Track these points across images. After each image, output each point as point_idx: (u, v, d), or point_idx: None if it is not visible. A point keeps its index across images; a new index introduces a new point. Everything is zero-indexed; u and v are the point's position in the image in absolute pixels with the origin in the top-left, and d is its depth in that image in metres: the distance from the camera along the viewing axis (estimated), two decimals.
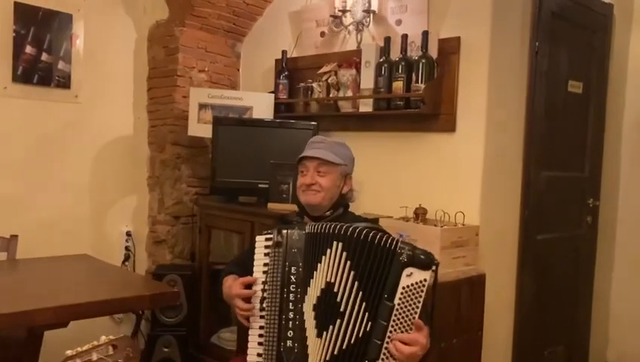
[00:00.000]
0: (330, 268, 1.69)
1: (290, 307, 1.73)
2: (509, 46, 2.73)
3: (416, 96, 2.70)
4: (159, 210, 3.57)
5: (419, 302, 1.58)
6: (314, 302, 1.71)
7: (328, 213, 2.00)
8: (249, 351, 1.82)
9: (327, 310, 1.68)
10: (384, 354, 1.60)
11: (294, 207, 2.90)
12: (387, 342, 1.59)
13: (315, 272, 1.72)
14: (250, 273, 1.86)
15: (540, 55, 2.83)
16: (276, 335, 1.74)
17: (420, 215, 2.64)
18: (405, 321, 1.59)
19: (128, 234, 3.58)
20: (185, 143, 3.53)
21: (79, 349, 1.17)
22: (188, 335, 3.31)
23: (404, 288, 1.59)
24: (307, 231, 1.77)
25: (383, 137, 2.98)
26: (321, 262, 1.71)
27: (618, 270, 3.59)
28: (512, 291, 2.86)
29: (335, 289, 1.67)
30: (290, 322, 1.73)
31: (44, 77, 3.20)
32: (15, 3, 3.07)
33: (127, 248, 3.58)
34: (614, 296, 3.61)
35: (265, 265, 1.81)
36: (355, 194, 2.12)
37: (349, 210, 2.11)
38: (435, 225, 2.52)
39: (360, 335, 1.63)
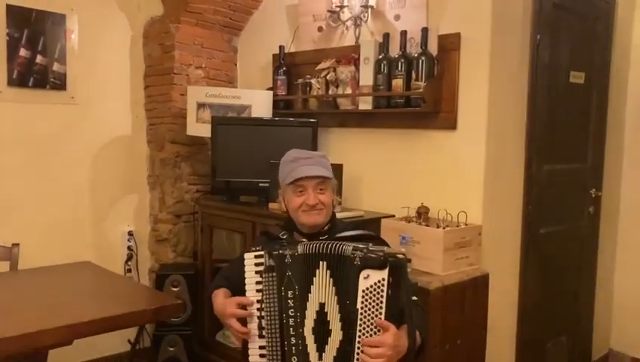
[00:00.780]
0: (321, 289, 1.69)
1: (292, 332, 1.70)
2: (510, 40, 2.69)
3: (417, 94, 2.66)
4: (160, 208, 3.56)
5: (381, 302, 1.60)
6: (312, 325, 1.69)
7: (326, 227, 1.93)
8: None
9: (322, 331, 1.68)
10: (357, 358, 1.61)
11: None
12: (358, 348, 1.61)
13: (309, 295, 1.70)
14: (240, 289, 1.81)
15: (541, 47, 2.79)
16: (280, 360, 1.71)
17: (422, 214, 2.63)
18: (371, 324, 1.61)
19: (130, 233, 3.57)
20: (184, 141, 3.50)
21: None
22: (193, 333, 3.33)
23: (363, 291, 1.61)
24: (300, 252, 1.72)
25: (383, 134, 2.96)
26: (313, 284, 1.69)
27: (620, 259, 3.60)
28: (515, 287, 2.86)
29: (325, 309, 1.68)
30: (294, 348, 1.70)
31: (40, 79, 3.16)
32: (7, 5, 3.02)
33: (129, 248, 3.57)
34: (617, 285, 3.62)
35: (258, 283, 1.76)
36: (337, 204, 2.08)
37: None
38: (438, 226, 2.50)
39: (338, 346, 1.65)
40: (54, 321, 1.83)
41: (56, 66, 3.22)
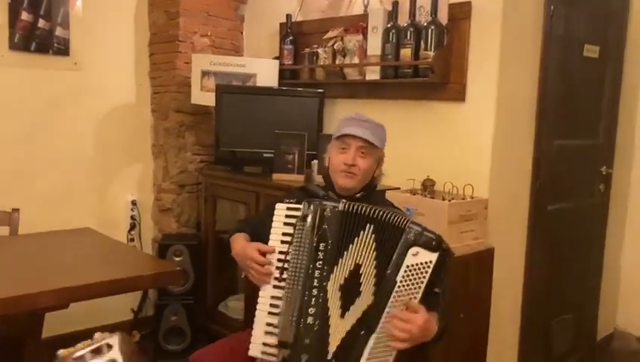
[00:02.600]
0: (361, 250, 1.68)
1: (315, 284, 1.70)
2: (523, 10, 2.60)
3: (425, 64, 2.60)
4: (164, 178, 3.53)
5: (421, 282, 1.59)
6: (341, 282, 1.69)
7: (358, 194, 1.93)
8: (256, 319, 1.77)
9: (352, 290, 1.68)
10: (381, 327, 1.62)
11: (300, 178, 2.87)
12: (385, 317, 1.61)
13: (345, 253, 1.70)
14: (262, 238, 1.83)
15: (555, 18, 2.70)
16: (297, 310, 1.70)
17: (427, 187, 2.58)
18: (405, 299, 1.60)
19: (133, 203, 3.55)
20: (188, 111, 3.45)
21: (72, 349, 1.13)
22: (195, 303, 3.31)
23: (408, 266, 1.61)
24: (342, 209, 1.72)
25: (390, 105, 2.89)
26: (353, 243, 1.69)
27: (629, 237, 3.55)
28: (521, 264, 2.81)
29: (360, 271, 1.68)
30: (314, 299, 1.70)
31: (42, 44, 3.11)
32: None
33: (132, 217, 3.55)
34: (625, 264, 3.57)
35: (284, 234, 1.77)
36: (382, 177, 2.06)
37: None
38: (443, 199, 2.45)
39: (365, 309, 1.65)
40: (51, 283, 1.81)
41: (59, 31, 3.17)
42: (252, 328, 1.79)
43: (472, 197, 2.48)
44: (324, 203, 1.75)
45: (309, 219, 1.73)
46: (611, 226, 3.40)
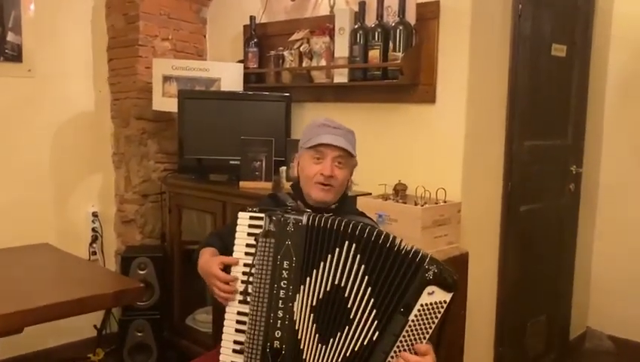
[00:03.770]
0: (340, 271, 1.54)
1: (280, 305, 1.58)
2: (491, 9, 2.57)
3: (394, 65, 2.53)
4: (126, 188, 3.40)
5: (433, 322, 1.48)
6: (312, 303, 1.56)
7: (333, 206, 1.83)
8: (224, 336, 1.67)
9: (335, 315, 1.54)
10: None
11: (268, 186, 2.78)
12: (392, 357, 1.49)
13: (315, 271, 1.56)
14: (231, 250, 1.71)
15: (523, 18, 2.68)
16: (262, 332, 1.60)
17: (399, 192, 2.52)
18: (415, 339, 1.48)
19: (95, 214, 3.40)
20: (150, 117, 3.33)
21: None
22: (161, 318, 3.19)
23: (422, 305, 1.47)
24: (306, 223, 1.59)
25: (359, 109, 2.82)
26: (325, 261, 1.55)
27: (599, 237, 3.57)
28: (495, 266, 2.78)
29: (346, 295, 1.53)
30: (279, 321, 1.58)
31: None
32: None
33: (94, 229, 3.40)
34: (595, 263, 3.58)
35: (248, 245, 1.65)
36: (352, 185, 1.97)
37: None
38: (416, 203, 2.39)
39: (365, 343, 1.51)
40: (1, 307, 1.68)
41: (10, 36, 3.01)
42: (220, 345, 1.70)
43: (445, 201, 2.42)
44: (287, 216, 1.62)
45: (272, 235, 1.61)
46: (582, 225, 3.40)
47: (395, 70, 2.55)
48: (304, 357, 1.56)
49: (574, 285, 3.42)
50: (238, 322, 1.65)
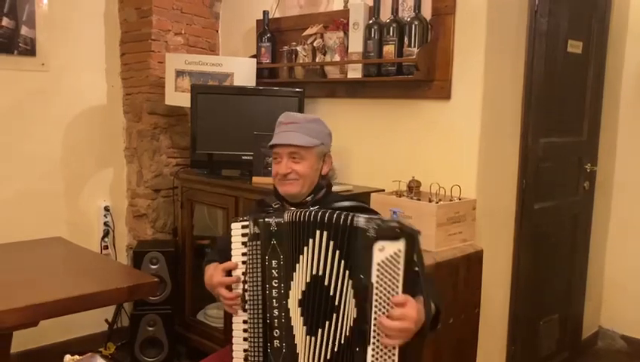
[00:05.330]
0: (316, 260, 1.55)
1: (275, 304, 1.61)
2: (508, 5, 2.54)
3: (409, 61, 2.52)
4: (138, 182, 3.40)
5: (397, 274, 1.47)
6: (299, 297, 1.58)
7: (309, 198, 1.83)
8: (234, 347, 1.71)
9: (319, 305, 1.55)
10: (374, 337, 1.48)
11: None
12: (374, 324, 1.48)
13: (297, 265, 1.58)
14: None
15: (540, 14, 2.65)
16: (261, 334, 1.63)
17: (413, 188, 2.50)
18: (388, 298, 1.47)
19: (106, 209, 3.41)
20: (163, 112, 3.33)
21: None
22: (173, 312, 3.19)
23: (379, 264, 1.47)
24: (287, 220, 1.61)
25: (373, 104, 2.81)
26: (303, 254, 1.57)
27: (612, 235, 3.53)
28: (508, 264, 2.76)
29: (326, 283, 1.54)
30: (276, 321, 1.61)
31: (7, 44, 2.96)
32: None
33: (105, 223, 3.41)
34: (608, 261, 3.55)
35: (244, 254, 1.69)
36: (335, 172, 1.96)
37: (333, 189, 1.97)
38: (430, 200, 2.38)
39: (351, 324, 1.51)
40: (18, 300, 1.68)
41: (24, 30, 3.01)
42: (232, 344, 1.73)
43: (460, 198, 2.40)
44: (270, 217, 1.64)
45: (258, 237, 1.64)
46: (595, 224, 3.37)
47: (409, 66, 2.54)
48: (297, 351, 1.58)
49: (587, 284, 3.39)
50: (244, 331, 1.68)
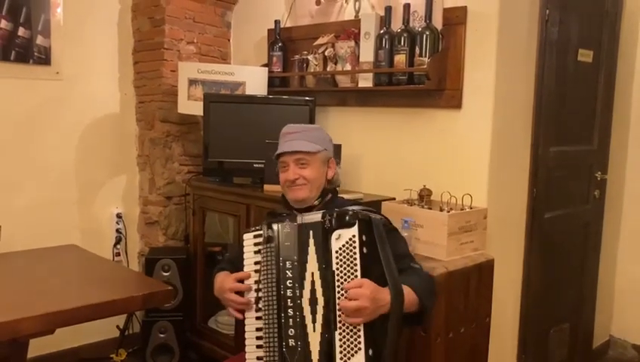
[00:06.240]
0: (312, 258, 1.68)
1: (289, 304, 1.67)
2: (518, 15, 2.56)
3: (420, 70, 2.53)
4: (150, 190, 3.42)
5: (354, 260, 1.61)
6: (309, 296, 1.67)
7: (317, 202, 1.92)
8: (247, 355, 1.74)
9: (313, 300, 1.66)
10: (339, 321, 1.61)
11: None
12: (339, 310, 1.61)
13: (307, 265, 1.68)
14: (242, 270, 1.81)
15: (550, 23, 2.66)
16: (277, 335, 1.67)
17: (424, 197, 2.52)
18: (348, 281, 1.61)
19: (119, 216, 3.44)
20: (175, 120, 3.36)
21: None
22: (184, 319, 3.21)
23: (337, 251, 1.63)
24: (299, 222, 1.72)
25: (384, 113, 2.83)
26: (309, 254, 1.69)
27: (623, 243, 3.52)
28: (519, 273, 2.76)
29: (313, 278, 1.68)
30: (291, 320, 1.66)
31: (22, 53, 3.00)
32: None
33: (118, 230, 3.44)
34: (619, 270, 3.54)
35: (256, 263, 1.75)
36: (340, 176, 2.04)
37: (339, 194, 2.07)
38: (442, 209, 2.39)
39: (323, 312, 1.64)
40: (36, 309, 1.70)
41: (40, 40, 3.05)
42: (245, 350, 1.75)
43: (471, 207, 2.41)
44: (284, 221, 1.74)
45: (273, 240, 1.72)
46: (606, 233, 3.36)
47: (420, 75, 2.55)
48: (310, 348, 1.65)
49: (598, 293, 3.38)
50: (257, 338, 1.72)
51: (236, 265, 1.89)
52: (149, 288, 1.99)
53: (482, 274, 2.39)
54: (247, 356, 1.73)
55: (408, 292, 1.68)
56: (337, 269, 1.62)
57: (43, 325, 1.70)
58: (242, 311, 1.79)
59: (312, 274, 1.67)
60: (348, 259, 1.62)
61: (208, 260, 3.25)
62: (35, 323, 1.68)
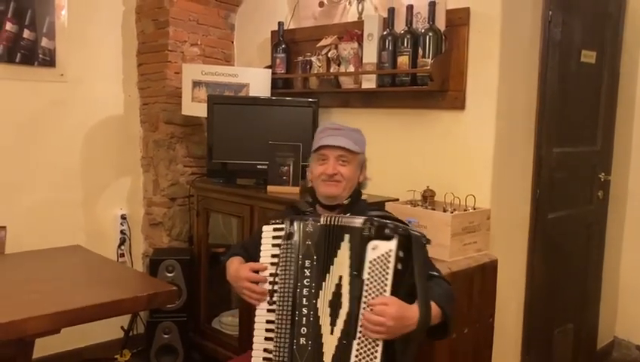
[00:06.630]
0: (342, 262, 1.66)
1: (304, 302, 1.67)
2: (521, 16, 2.56)
3: (423, 71, 2.54)
4: (154, 191, 3.44)
5: (387, 274, 1.58)
6: (329, 298, 1.65)
7: (346, 201, 1.91)
8: (254, 346, 1.74)
9: (337, 305, 1.64)
10: (360, 331, 1.60)
11: (295, 190, 2.80)
12: (361, 319, 1.60)
13: (331, 267, 1.67)
14: (256, 261, 1.81)
15: (553, 24, 2.66)
16: (289, 331, 1.67)
17: (428, 198, 2.52)
18: (376, 294, 1.59)
19: (123, 217, 3.45)
20: (179, 122, 3.37)
21: None
22: (188, 320, 3.22)
23: (370, 262, 1.60)
24: (324, 222, 1.70)
25: (387, 114, 2.83)
26: (336, 256, 1.67)
27: (627, 244, 3.51)
28: (522, 273, 2.76)
29: (341, 282, 1.66)
30: (304, 318, 1.66)
31: (28, 55, 3.01)
32: None
33: (122, 231, 3.45)
34: (623, 271, 3.54)
35: (273, 256, 1.75)
36: (367, 181, 2.02)
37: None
38: (445, 210, 2.40)
39: (346, 318, 1.62)
40: (42, 308, 1.72)
41: (44, 42, 3.07)
42: (252, 349, 1.75)
43: (475, 208, 2.42)
44: (307, 218, 1.73)
45: (293, 237, 1.72)
46: (610, 234, 3.36)
47: (424, 76, 2.56)
48: (323, 350, 1.64)
49: (602, 294, 3.38)
50: (266, 330, 1.72)
51: (250, 253, 1.90)
52: (154, 288, 2.00)
53: (486, 274, 2.40)
54: (254, 346, 1.73)
55: (433, 307, 1.65)
56: (368, 279, 1.60)
57: (49, 324, 1.71)
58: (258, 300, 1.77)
59: (340, 277, 1.65)
60: (380, 272, 1.59)
61: (212, 261, 3.26)
62: (41, 323, 1.69)
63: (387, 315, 1.55)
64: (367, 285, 1.59)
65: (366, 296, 1.60)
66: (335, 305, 1.65)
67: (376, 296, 1.58)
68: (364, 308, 1.59)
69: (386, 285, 1.58)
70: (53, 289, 1.96)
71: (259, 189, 2.92)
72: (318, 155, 1.90)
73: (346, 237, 1.67)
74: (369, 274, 1.60)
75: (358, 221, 1.66)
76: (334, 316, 1.64)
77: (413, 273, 1.60)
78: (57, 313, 1.72)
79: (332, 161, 1.86)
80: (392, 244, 1.59)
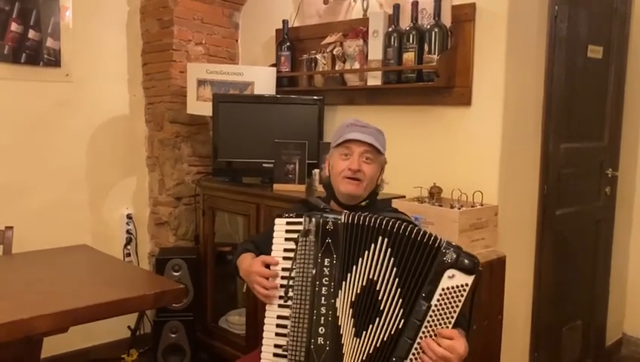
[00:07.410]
0: (374, 265, 1.59)
1: (323, 302, 1.62)
2: (527, 11, 2.55)
3: (429, 68, 2.53)
4: (160, 191, 3.44)
5: (457, 306, 1.51)
6: (352, 299, 1.60)
7: (364, 203, 1.86)
8: (265, 341, 1.69)
9: (368, 308, 1.58)
10: (413, 354, 1.53)
11: (301, 188, 2.79)
12: (418, 343, 1.52)
13: (355, 267, 1.61)
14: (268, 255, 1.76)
15: (559, 19, 2.65)
16: (305, 330, 1.62)
17: (434, 195, 2.51)
18: (440, 324, 1.52)
19: (129, 216, 3.45)
20: (184, 121, 3.37)
21: None
22: (195, 319, 3.22)
23: (443, 289, 1.52)
24: (345, 221, 1.63)
25: (393, 111, 2.82)
26: (363, 258, 1.60)
27: (635, 240, 3.49)
28: (530, 270, 2.75)
29: (377, 288, 1.58)
30: (322, 318, 1.61)
31: (33, 55, 3.02)
32: None
33: (128, 231, 3.45)
34: (631, 267, 3.52)
35: (286, 250, 1.69)
36: (384, 185, 1.98)
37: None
38: (452, 206, 2.38)
39: (392, 332, 1.55)
40: (49, 307, 1.71)
41: (49, 42, 3.07)
42: (260, 346, 1.72)
43: (482, 205, 2.40)
44: (326, 215, 1.66)
45: (312, 233, 1.65)
46: (617, 230, 3.34)
47: (430, 73, 2.55)
48: (343, 351, 1.60)
49: (610, 290, 3.36)
50: (278, 326, 1.68)
51: (261, 248, 1.87)
52: (161, 286, 1.99)
53: (494, 271, 2.38)
54: (264, 341, 1.69)
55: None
56: (436, 307, 1.52)
57: (57, 323, 1.70)
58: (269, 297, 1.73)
59: (373, 282, 1.58)
60: (450, 303, 1.51)
61: (218, 260, 3.26)
62: (49, 321, 1.68)
63: (455, 352, 1.49)
64: (434, 312, 1.51)
65: (429, 322, 1.52)
66: (364, 308, 1.58)
67: (439, 324, 1.51)
68: (424, 334, 1.52)
69: (452, 317, 1.51)
70: (61, 288, 1.95)
71: (265, 188, 2.91)
72: (342, 148, 1.83)
73: (383, 240, 1.59)
74: (438, 301, 1.51)
75: (436, 238, 1.54)
76: (364, 320, 1.58)
77: (472, 308, 1.57)
78: (64, 311, 1.70)
79: (356, 157, 1.81)
80: (470, 279, 1.50)
